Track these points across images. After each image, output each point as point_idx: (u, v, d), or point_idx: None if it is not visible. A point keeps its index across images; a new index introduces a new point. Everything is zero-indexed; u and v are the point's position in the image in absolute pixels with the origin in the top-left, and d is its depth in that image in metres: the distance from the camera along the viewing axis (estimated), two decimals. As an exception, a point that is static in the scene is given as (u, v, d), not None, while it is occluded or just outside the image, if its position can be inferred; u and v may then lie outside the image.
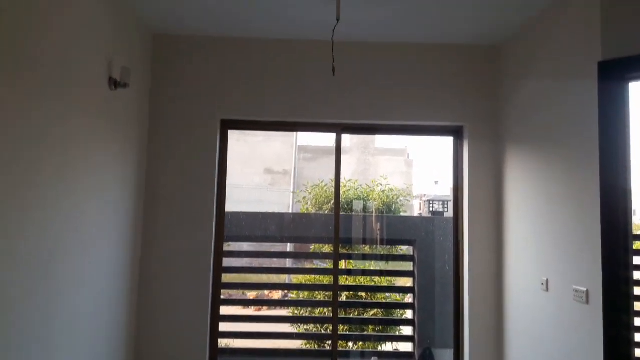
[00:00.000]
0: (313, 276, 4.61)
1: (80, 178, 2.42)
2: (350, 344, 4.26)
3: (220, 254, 3.47)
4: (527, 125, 3.06)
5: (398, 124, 3.57)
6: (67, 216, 2.30)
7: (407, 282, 4.46)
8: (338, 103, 3.46)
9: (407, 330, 4.48)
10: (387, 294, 4.68)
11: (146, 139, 3.37)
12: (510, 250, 3.23)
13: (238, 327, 3.77)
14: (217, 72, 3.45)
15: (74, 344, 2.40)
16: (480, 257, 3.39)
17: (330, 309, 3.63)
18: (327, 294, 4.03)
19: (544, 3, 2.78)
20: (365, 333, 4.35)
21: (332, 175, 3.60)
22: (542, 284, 2.76)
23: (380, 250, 4.54)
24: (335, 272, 3.56)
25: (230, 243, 3.98)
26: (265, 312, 5.28)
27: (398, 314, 4.65)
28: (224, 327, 3.49)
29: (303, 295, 4.53)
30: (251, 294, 5.35)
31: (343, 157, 3.61)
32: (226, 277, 3.62)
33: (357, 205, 5.28)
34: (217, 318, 3.44)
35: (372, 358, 3.98)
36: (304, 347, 4.38)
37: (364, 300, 4.38)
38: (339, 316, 3.62)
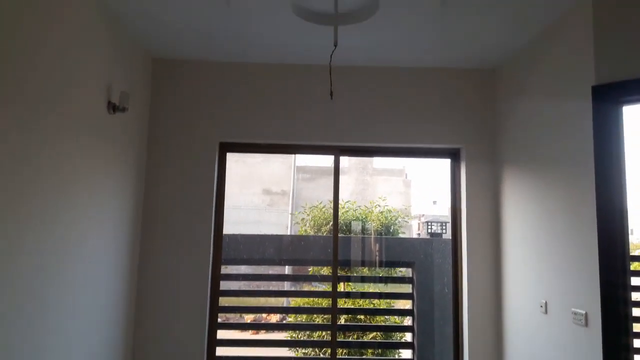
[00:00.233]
0: (311, 299, 4.57)
1: (75, 201, 2.42)
2: (350, 367, 4.19)
3: (217, 277, 3.45)
4: (524, 146, 3.08)
5: (395, 146, 3.60)
6: (63, 238, 2.29)
7: (406, 304, 4.41)
8: (335, 126, 3.49)
9: (406, 354, 4.42)
10: (386, 317, 4.64)
11: (144, 161, 3.38)
12: (508, 272, 3.22)
13: (235, 351, 3.72)
14: (215, 96, 3.49)
15: (68, 371, 2.37)
16: (479, 279, 3.38)
17: (329, 332, 3.59)
18: (325, 316, 3.99)
19: (538, 29, 2.84)
20: (365, 357, 4.29)
21: (331, 196, 3.61)
22: (541, 306, 2.74)
23: (379, 272, 4.51)
24: (334, 295, 3.53)
25: (227, 266, 3.95)
26: (262, 335, 5.21)
27: (397, 336, 4.59)
28: (220, 351, 3.45)
29: (301, 318, 4.48)
30: (248, 317, 5.29)
31: (341, 178, 3.62)
32: (223, 300, 3.59)
33: (356, 227, 5.27)
34: (214, 342, 3.40)
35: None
36: (303, 371, 4.31)
37: (362, 324, 4.33)
38: (338, 339, 3.58)
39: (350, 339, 4.29)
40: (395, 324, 4.69)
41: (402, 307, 4.64)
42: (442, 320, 3.85)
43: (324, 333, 4.16)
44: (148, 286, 3.30)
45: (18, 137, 1.88)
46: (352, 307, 4.47)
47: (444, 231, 5.64)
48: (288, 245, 4.47)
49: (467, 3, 2.56)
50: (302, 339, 4.32)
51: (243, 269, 4.54)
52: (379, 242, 4.52)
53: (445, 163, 3.70)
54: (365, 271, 4.51)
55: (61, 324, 2.29)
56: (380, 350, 4.36)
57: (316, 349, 4.37)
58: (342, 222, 4.94)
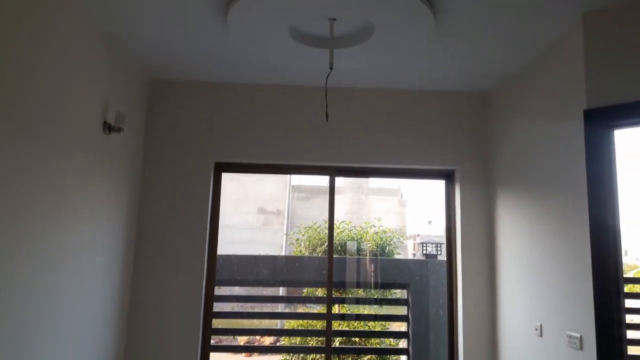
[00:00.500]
0: (306, 321, 4.52)
1: (68, 220, 2.41)
2: (344, 391, 4.14)
3: (210, 298, 3.41)
4: (517, 168, 3.11)
5: (390, 167, 3.61)
6: (55, 256, 2.27)
7: (401, 326, 4.38)
8: (331, 147, 3.51)
9: (401, 377, 4.37)
10: (381, 339, 4.59)
11: (139, 181, 3.38)
12: (503, 295, 3.21)
13: (228, 374, 3.66)
14: (211, 116, 3.50)
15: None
16: (474, 301, 3.36)
17: (323, 355, 3.54)
18: (319, 339, 3.95)
19: (531, 54, 2.89)
20: (359, 380, 4.24)
21: (326, 216, 3.60)
22: (536, 329, 2.73)
23: (374, 293, 4.48)
24: (329, 317, 3.49)
25: (221, 287, 3.92)
26: (256, 358, 5.14)
27: (392, 359, 4.54)
28: (213, 374, 3.39)
29: (295, 340, 4.43)
30: (242, 339, 5.22)
31: (337, 197, 3.63)
32: (216, 322, 3.54)
33: (351, 247, 5.25)
34: (207, 365, 3.35)
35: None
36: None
37: (357, 346, 4.28)
38: (332, 362, 3.53)
39: (345, 362, 4.25)
40: (391, 347, 4.64)
41: (397, 330, 4.60)
42: (437, 343, 3.81)
43: (318, 356, 4.11)
44: (140, 307, 3.25)
45: (12, 156, 1.88)
46: (347, 329, 4.43)
47: (439, 252, 5.63)
48: (282, 266, 4.44)
49: (461, 29, 2.61)
50: (296, 361, 4.26)
51: (237, 290, 4.51)
52: (374, 263, 4.51)
53: (441, 183, 3.72)
54: (361, 292, 4.48)
55: (54, 352, 2.25)
56: (375, 373, 4.31)
57: (310, 372, 4.31)
58: (337, 242, 4.92)
